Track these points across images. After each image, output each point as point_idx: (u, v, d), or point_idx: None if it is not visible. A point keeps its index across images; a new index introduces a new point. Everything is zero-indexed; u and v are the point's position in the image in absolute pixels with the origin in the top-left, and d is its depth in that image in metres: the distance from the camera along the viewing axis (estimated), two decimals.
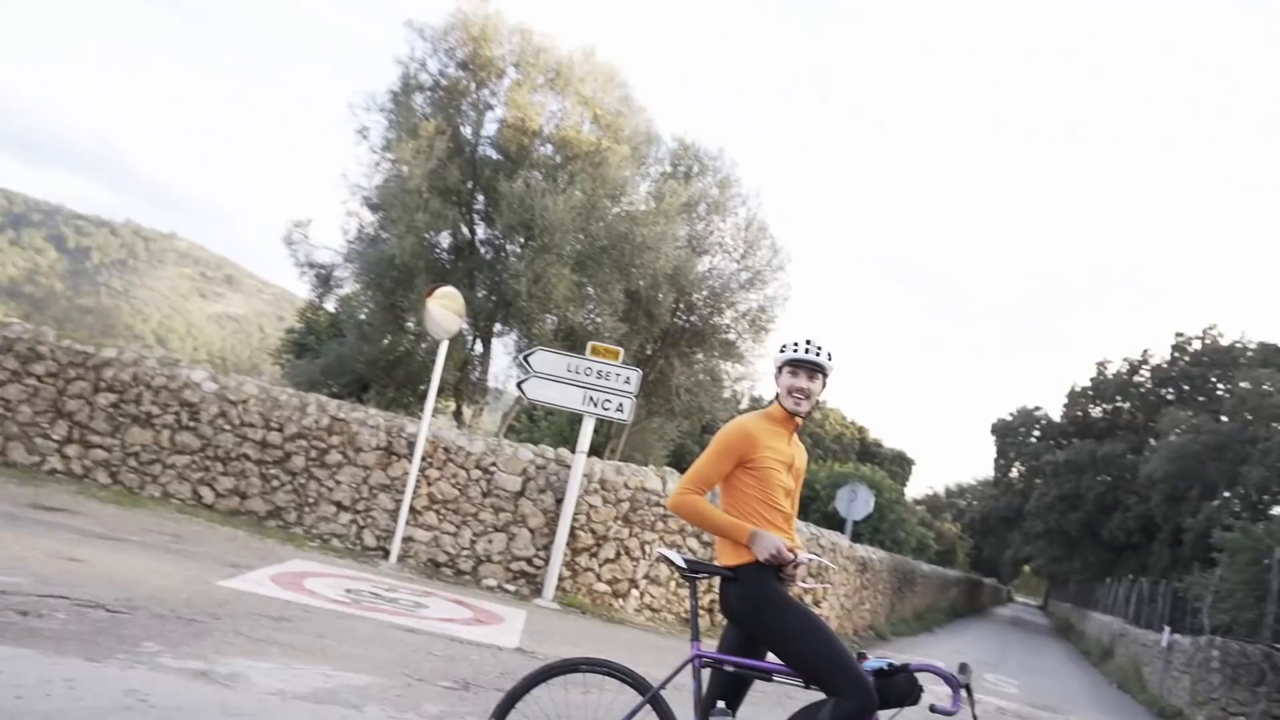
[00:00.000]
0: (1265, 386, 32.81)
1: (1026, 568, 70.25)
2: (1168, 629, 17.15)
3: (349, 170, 19.60)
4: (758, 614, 3.51)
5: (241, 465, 11.30)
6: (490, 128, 18.14)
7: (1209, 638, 14.27)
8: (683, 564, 3.61)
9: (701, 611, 11.96)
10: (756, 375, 20.83)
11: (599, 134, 17.69)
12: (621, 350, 12.14)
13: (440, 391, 13.88)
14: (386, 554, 10.98)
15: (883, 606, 18.34)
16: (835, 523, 19.62)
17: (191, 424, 11.27)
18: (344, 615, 7.46)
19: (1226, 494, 32.21)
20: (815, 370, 3.70)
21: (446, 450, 11.51)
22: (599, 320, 17.01)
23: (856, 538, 19.32)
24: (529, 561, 11.35)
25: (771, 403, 3.84)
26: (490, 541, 11.34)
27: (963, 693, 3.36)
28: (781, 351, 3.74)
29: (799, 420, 3.76)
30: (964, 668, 3.44)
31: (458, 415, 19.13)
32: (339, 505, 11.29)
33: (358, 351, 18.54)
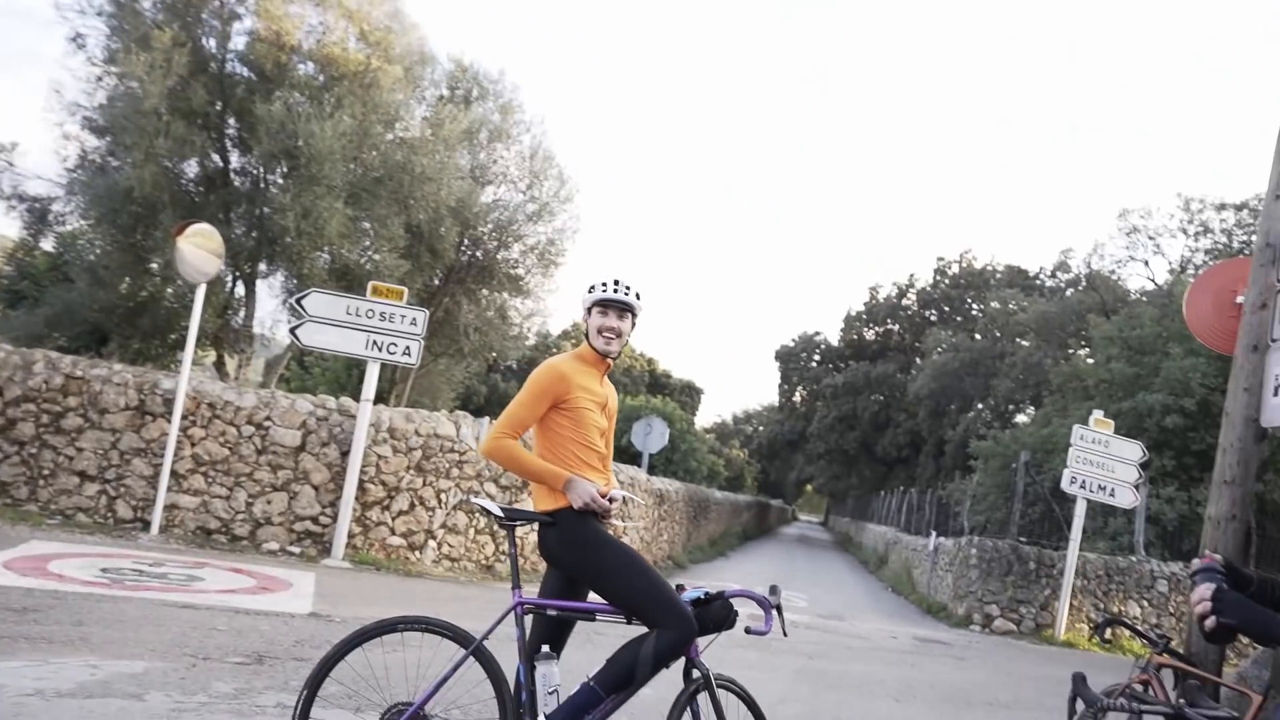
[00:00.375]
0: (1010, 305, 36.44)
1: (809, 487, 75.39)
2: (934, 533, 18.77)
3: (64, 84, 16.88)
4: (577, 556, 3.51)
5: None
6: (239, 41, 16.21)
7: (967, 538, 15.68)
8: (500, 513, 3.51)
9: (504, 557, 11.67)
10: (547, 311, 20.47)
11: (367, 52, 16.25)
12: (405, 290, 11.30)
13: (198, 341, 12.39)
14: (146, 525, 9.71)
15: (680, 536, 18.78)
16: (630, 456, 19.78)
17: None
18: (104, 598, 6.54)
19: (980, 406, 35.72)
20: (625, 309, 3.71)
21: (211, 406, 10.27)
22: (377, 258, 15.87)
23: (651, 470, 19.58)
24: (314, 520, 10.45)
25: (580, 344, 3.86)
26: (269, 502, 10.31)
27: (774, 613, 3.54)
28: (590, 292, 3.72)
29: (610, 361, 3.77)
30: (774, 589, 3.65)
31: (219, 366, 17.36)
32: (83, 475, 9.81)
33: (91, 298, 16.21)
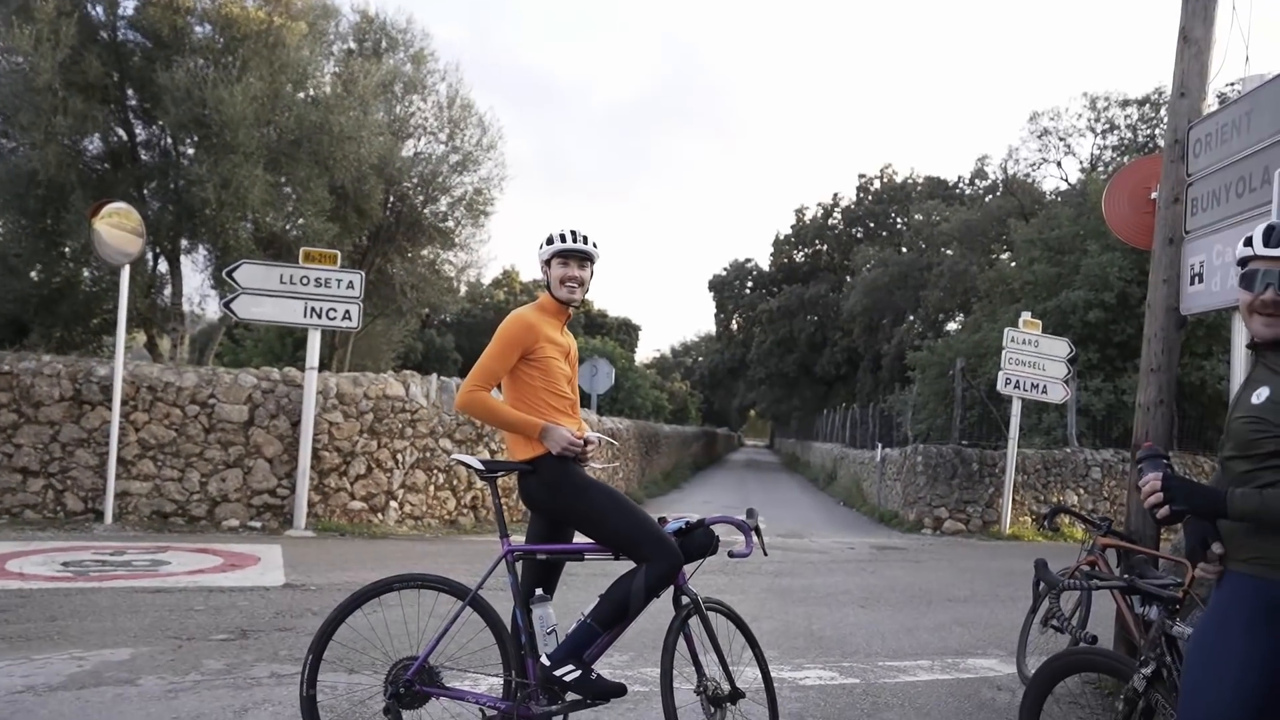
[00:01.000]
0: (934, 217, 37.01)
1: (752, 412, 76.55)
2: (879, 445, 19.36)
3: None
4: (560, 500, 3.57)
5: None
6: (128, 6, 15.42)
7: (912, 446, 16.23)
8: (480, 465, 3.57)
9: (466, 510, 11.77)
10: (480, 262, 20.25)
11: (268, 9, 15.60)
12: (338, 253, 11.13)
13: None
14: (99, 515, 9.56)
15: (634, 472, 19.07)
16: (579, 399, 19.89)
17: None
18: (72, 591, 6.49)
19: (912, 318, 36.44)
20: (585, 259, 3.75)
21: (151, 389, 10.06)
22: (303, 222, 15.49)
23: (598, 411, 19.75)
24: (272, 493, 10.39)
25: (540, 295, 3.88)
26: (224, 480, 10.21)
27: (753, 535, 3.66)
28: (549, 244, 3.72)
29: (571, 311, 3.84)
30: (751, 513, 3.74)
31: (151, 348, 16.89)
32: (25, 471, 9.58)
33: (5, 290, 15.58)
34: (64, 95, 13.79)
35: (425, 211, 18.43)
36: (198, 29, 15.49)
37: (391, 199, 17.71)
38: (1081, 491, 14.86)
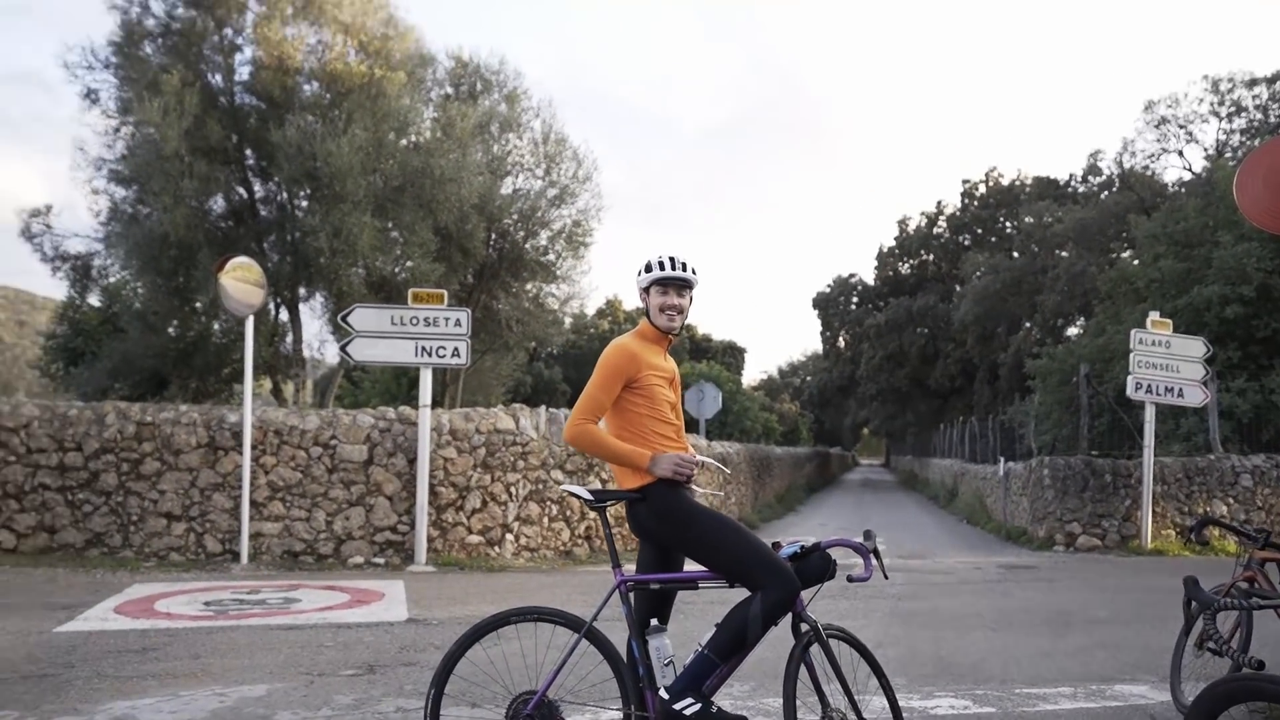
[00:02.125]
0: (1045, 218, 35.55)
1: (865, 430, 74.83)
2: (1002, 459, 18.55)
3: (86, 141, 17.34)
4: (672, 528, 3.52)
5: (40, 496, 9.89)
6: (243, 72, 16.43)
7: (1037, 459, 15.47)
8: (589, 496, 3.56)
9: (580, 541, 11.82)
10: (582, 293, 20.49)
11: (369, 63, 16.33)
12: (445, 292, 11.41)
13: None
14: (236, 556, 10.00)
15: (747, 496, 18.84)
16: (686, 424, 19.85)
17: None
18: (213, 630, 6.80)
19: (1028, 324, 34.99)
20: (684, 286, 3.70)
21: (278, 433, 10.50)
22: (410, 265, 16.01)
23: (707, 435, 19.63)
24: (393, 529, 10.67)
25: (639, 323, 3.85)
26: (347, 518, 10.54)
27: (871, 557, 3.52)
28: (648, 271, 3.68)
29: (672, 338, 3.78)
30: (869, 534, 3.59)
31: (276, 393, 17.73)
32: (169, 516, 10.12)
33: (145, 346, 16.68)
34: (189, 160, 14.71)
35: (526, 246, 18.80)
36: (306, 87, 16.34)
37: (493, 236, 18.15)
38: (1231, 501, 13.86)
